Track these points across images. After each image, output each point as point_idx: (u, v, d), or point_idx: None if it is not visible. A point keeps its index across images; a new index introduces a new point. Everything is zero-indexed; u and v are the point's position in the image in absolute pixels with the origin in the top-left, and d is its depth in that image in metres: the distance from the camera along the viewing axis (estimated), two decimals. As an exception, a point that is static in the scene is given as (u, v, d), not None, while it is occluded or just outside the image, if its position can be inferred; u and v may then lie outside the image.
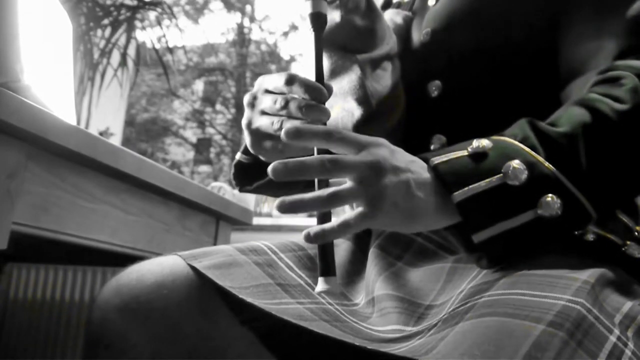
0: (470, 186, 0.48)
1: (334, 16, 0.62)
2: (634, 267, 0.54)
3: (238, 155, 0.72)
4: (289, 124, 0.52)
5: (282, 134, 0.48)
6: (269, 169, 0.46)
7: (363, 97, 0.62)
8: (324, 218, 0.49)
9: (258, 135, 0.58)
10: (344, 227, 0.46)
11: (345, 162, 0.46)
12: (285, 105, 0.53)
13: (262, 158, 0.62)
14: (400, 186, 0.47)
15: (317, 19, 0.55)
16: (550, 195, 0.48)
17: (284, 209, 0.45)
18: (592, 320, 0.42)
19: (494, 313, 0.42)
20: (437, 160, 0.50)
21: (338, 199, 0.46)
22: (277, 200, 0.46)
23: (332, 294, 0.58)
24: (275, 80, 0.55)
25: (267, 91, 0.57)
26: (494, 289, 0.46)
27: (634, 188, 0.54)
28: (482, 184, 0.48)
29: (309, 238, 0.46)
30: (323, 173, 0.47)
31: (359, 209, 0.46)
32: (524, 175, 0.48)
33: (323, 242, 0.48)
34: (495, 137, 0.52)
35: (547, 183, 0.49)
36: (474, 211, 0.48)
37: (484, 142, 0.51)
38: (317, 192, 0.46)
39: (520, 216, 0.48)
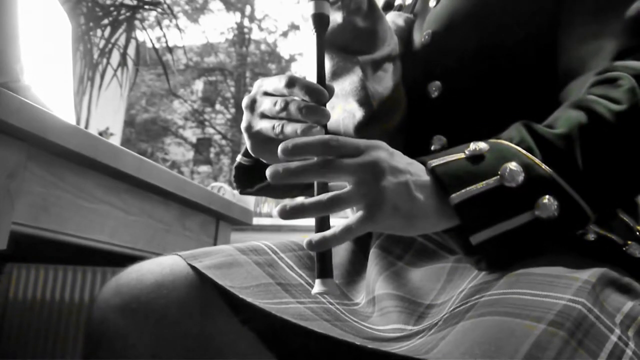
0: (468, 188, 0.48)
1: (335, 17, 0.62)
2: (635, 267, 0.54)
3: (239, 158, 0.72)
4: (289, 127, 0.52)
5: (279, 151, 0.47)
6: (268, 172, 0.46)
7: (364, 99, 0.62)
8: (322, 222, 0.49)
9: (259, 138, 0.58)
10: (345, 232, 0.46)
11: (344, 165, 0.46)
12: (285, 108, 0.53)
13: (263, 161, 0.62)
14: (400, 188, 0.47)
15: (320, 20, 0.55)
16: (547, 196, 0.48)
17: (285, 214, 0.46)
18: (592, 320, 0.42)
19: (495, 312, 0.42)
20: (434, 162, 0.50)
21: (338, 202, 0.46)
22: (278, 206, 0.46)
23: (329, 296, 0.58)
24: (274, 83, 0.55)
25: (267, 93, 0.56)
26: (494, 289, 0.46)
27: (632, 189, 0.55)
28: (479, 186, 0.48)
29: (310, 246, 0.47)
30: (321, 176, 0.47)
31: (360, 213, 0.46)
32: (521, 177, 0.48)
33: (325, 249, 0.48)
34: (492, 140, 0.52)
35: (544, 184, 0.49)
36: (471, 213, 0.48)
37: (481, 145, 0.51)
38: (317, 197, 0.46)
39: (517, 217, 0.48)
